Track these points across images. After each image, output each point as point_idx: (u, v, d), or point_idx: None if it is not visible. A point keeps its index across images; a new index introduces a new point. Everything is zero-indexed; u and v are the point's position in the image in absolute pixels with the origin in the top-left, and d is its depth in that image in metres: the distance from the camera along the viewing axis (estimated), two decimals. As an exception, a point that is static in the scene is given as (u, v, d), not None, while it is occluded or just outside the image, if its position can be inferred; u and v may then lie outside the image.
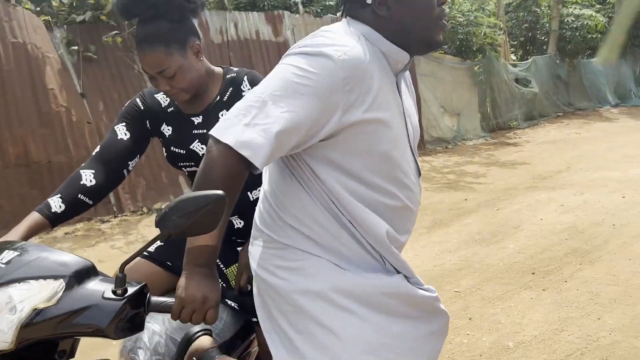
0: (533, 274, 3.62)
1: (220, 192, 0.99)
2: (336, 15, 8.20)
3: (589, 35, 13.65)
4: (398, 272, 1.24)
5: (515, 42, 14.13)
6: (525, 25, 13.60)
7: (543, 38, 13.90)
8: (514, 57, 14.29)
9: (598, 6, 14.85)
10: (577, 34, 13.39)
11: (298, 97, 1.07)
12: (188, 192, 1.02)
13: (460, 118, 9.87)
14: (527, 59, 12.93)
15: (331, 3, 8.95)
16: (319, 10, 8.56)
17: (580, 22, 13.31)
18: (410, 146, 1.27)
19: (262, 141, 1.05)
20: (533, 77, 12.30)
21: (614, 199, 5.27)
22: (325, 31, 1.17)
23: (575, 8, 13.64)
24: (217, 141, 1.07)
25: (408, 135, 1.26)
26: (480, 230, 4.64)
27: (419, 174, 1.32)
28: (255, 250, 1.31)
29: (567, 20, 13.41)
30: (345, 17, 1.24)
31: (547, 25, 13.58)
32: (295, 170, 1.21)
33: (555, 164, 7.29)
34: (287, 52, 1.15)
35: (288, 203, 1.23)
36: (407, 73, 1.36)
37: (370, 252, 1.22)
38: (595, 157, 7.38)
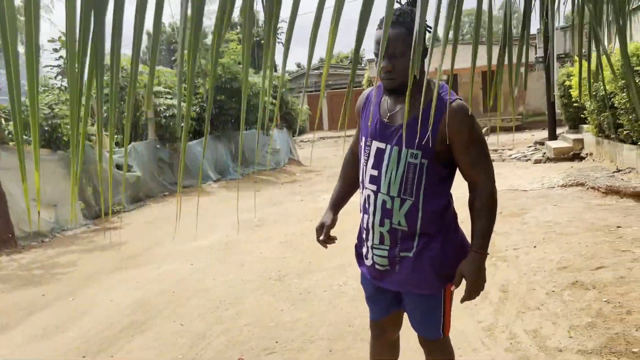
0: (84, 357, 3.84)
1: None
2: None
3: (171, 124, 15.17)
4: None
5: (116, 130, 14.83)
6: (124, 114, 14.39)
7: (143, 125, 15.03)
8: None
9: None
10: (171, 122, 14.97)
11: None
12: None
13: (57, 209, 9.64)
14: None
15: None
16: None
17: (171, 112, 14.96)
18: None
19: None
20: (134, 161, 13.08)
21: (185, 267, 6.07)
22: None
23: (165, 98, 15.26)
24: None
25: None
26: (54, 324, 4.64)
27: None
28: None
29: (161, 110, 14.88)
30: None
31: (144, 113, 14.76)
32: None
33: (149, 241, 7.85)
34: None
35: None
36: None
37: None
38: (187, 228, 7.69)
